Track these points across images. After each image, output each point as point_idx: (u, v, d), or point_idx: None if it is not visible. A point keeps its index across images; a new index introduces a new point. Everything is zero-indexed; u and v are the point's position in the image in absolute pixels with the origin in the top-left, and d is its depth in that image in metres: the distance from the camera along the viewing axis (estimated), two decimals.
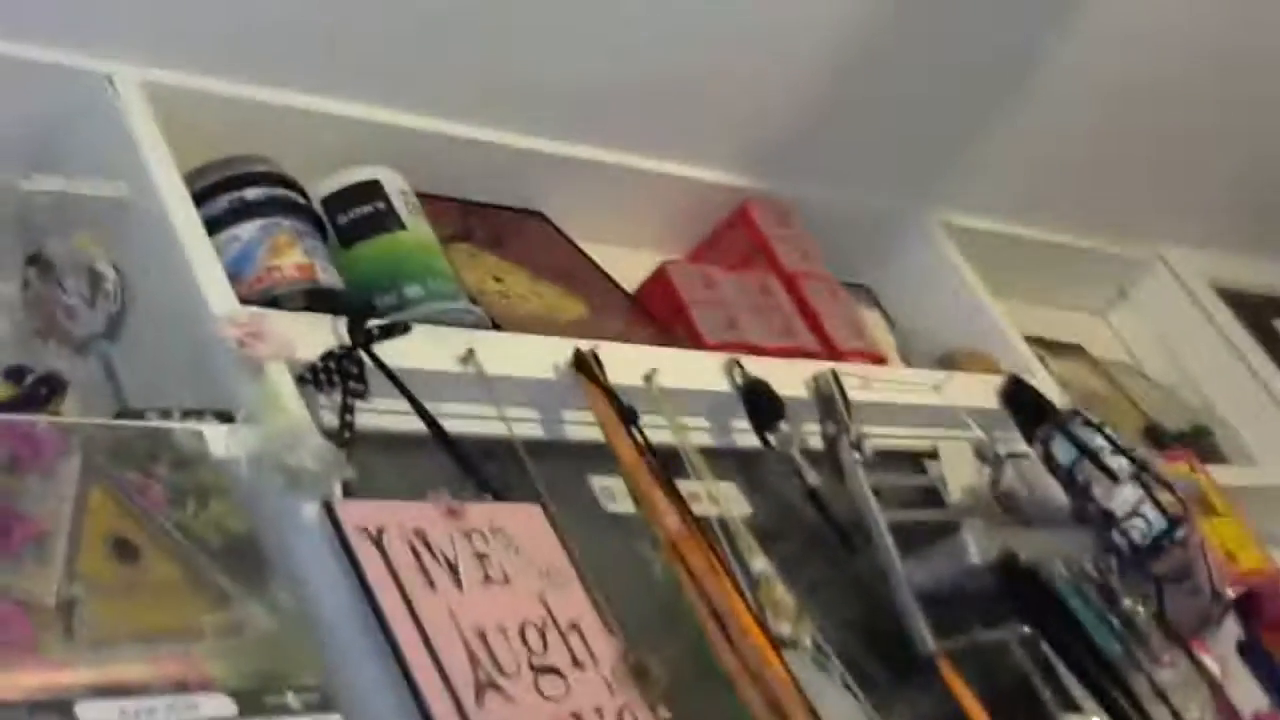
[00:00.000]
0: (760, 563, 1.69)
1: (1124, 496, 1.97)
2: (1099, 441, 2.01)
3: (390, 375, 1.60)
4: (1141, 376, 2.86)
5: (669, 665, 1.50)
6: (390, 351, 1.62)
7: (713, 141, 2.26)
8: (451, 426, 1.63)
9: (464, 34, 1.93)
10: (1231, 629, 2.16)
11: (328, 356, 1.58)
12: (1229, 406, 2.83)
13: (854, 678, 1.67)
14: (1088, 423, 2.04)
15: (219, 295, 1.57)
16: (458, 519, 1.48)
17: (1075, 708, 1.87)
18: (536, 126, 2.08)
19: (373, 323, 1.63)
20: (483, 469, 1.60)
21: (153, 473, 1.35)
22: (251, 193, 1.73)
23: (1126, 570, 1.98)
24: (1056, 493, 2.06)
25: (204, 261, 1.60)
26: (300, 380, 1.54)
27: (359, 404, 1.58)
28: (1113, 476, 1.98)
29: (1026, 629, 1.86)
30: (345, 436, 1.54)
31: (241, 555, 1.33)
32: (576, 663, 1.45)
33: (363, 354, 1.59)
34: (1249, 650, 2.20)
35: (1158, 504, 1.97)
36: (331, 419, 1.56)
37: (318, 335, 1.60)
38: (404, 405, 1.61)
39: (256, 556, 1.35)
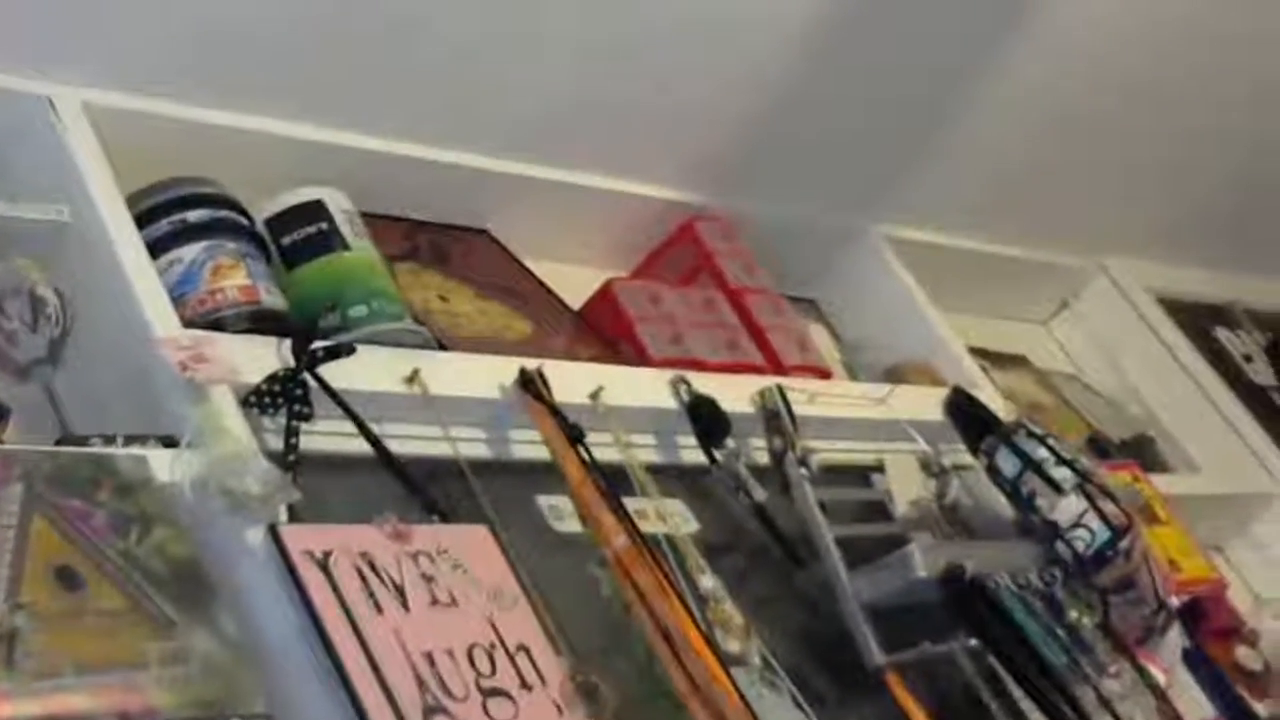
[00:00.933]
0: (708, 580, 1.69)
1: (1068, 507, 1.97)
2: (1042, 453, 2.01)
3: (335, 397, 1.59)
4: (1084, 386, 2.87)
5: (618, 685, 1.50)
6: (335, 373, 1.61)
7: (656, 158, 2.26)
8: (397, 448, 1.62)
9: (406, 54, 1.93)
10: (1176, 638, 2.16)
11: (272, 379, 1.56)
12: (1171, 415, 2.84)
13: (803, 694, 1.66)
14: (1031, 434, 2.04)
15: (161, 318, 1.56)
16: (404, 541, 1.47)
17: (1022, 718, 1.87)
18: (480, 144, 2.07)
19: (317, 344, 1.62)
20: (429, 490, 1.59)
21: (96, 499, 1.33)
22: (194, 214, 1.71)
23: (1071, 581, 1.98)
24: (1001, 504, 2.06)
25: (146, 284, 1.59)
26: (244, 403, 1.53)
27: (304, 426, 1.56)
28: (1056, 488, 1.98)
29: (973, 641, 1.86)
30: (290, 460, 1.53)
31: (186, 582, 1.32)
32: (525, 685, 1.44)
33: (307, 376, 1.58)
34: (1194, 659, 2.21)
35: (1101, 514, 1.97)
36: (276, 442, 1.55)
37: (262, 358, 1.58)
38: (349, 427, 1.60)
39: (201, 583, 1.33)
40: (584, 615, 1.61)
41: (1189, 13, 2.62)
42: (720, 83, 2.22)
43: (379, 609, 1.39)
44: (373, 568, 1.42)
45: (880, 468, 2.10)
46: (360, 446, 1.61)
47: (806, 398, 2.02)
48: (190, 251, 1.68)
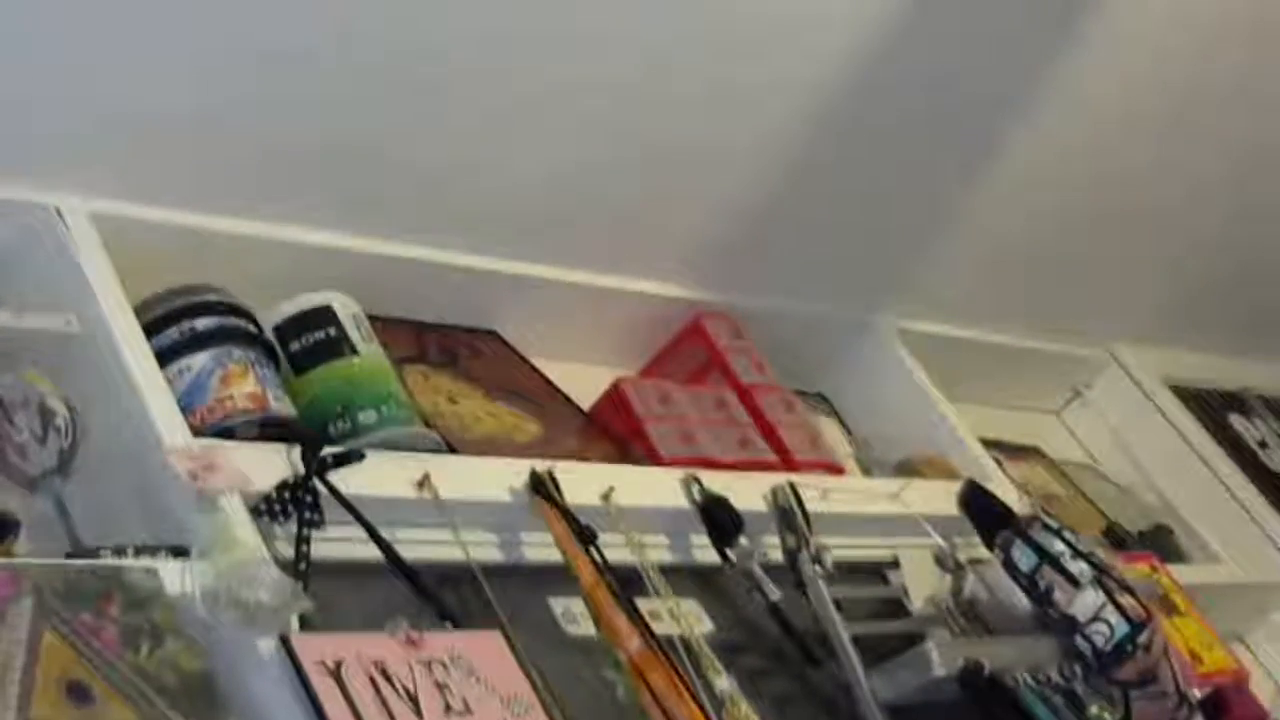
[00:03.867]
0: (724, 681, 1.68)
1: (1086, 601, 1.97)
2: (1059, 546, 2.00)
3: (345, 503, 1.60)
4: (1099, 476, 2.87)
5: None
6: (345, 479, 1.61)
7: (663, 256, 2.27)
8: (408, 553, 1.62)
9: (410, 157, 1.94)
10: None
11: (282, 487, 1.57)
12: (1187, 504, 2.83)
13: None
14: (1047, 527, 2.03)
15: (171, 428, 1.56)
16: (417, 649, 1.46)
17: None
18: (488, 246, 2.08)
19: (327, 451, 1.62)
20: (441, 596, 1.59)
21: (106, 613, 1.33)
22: (202, 322, 1.72)
23: (1091, 676, 1.97)
24: (1019, 599, 2.05)
25: (155, 394, 1.59)
26: (255, 512, 1.53)
27: (315, 533, 1.56)
28: (1074, 581, 1.98)
29: None
30: (301, 568, 1.53)
31: (198, 695, 1.32)
32: None
33: (317, 483, 1.58)
34: None
35: (1120, 608, 1.96)
36: (287, 550, 1.55)
37: (271, 465, 1.59)
38: (360, 533, 1.60)
39: (212, 695, 1.33)
40: (600, 719, 1.60)
41: (1197, 110, 2.64)
42: (728, 179, 2.24)
43: (393, 718, 1.39)
44: (386, 676, 1.42)
45: (895, 563, 2.09)
46: (371, 552, 1.61)
47: (819, 494, 2.01)
48: (199, 360, 1.69)
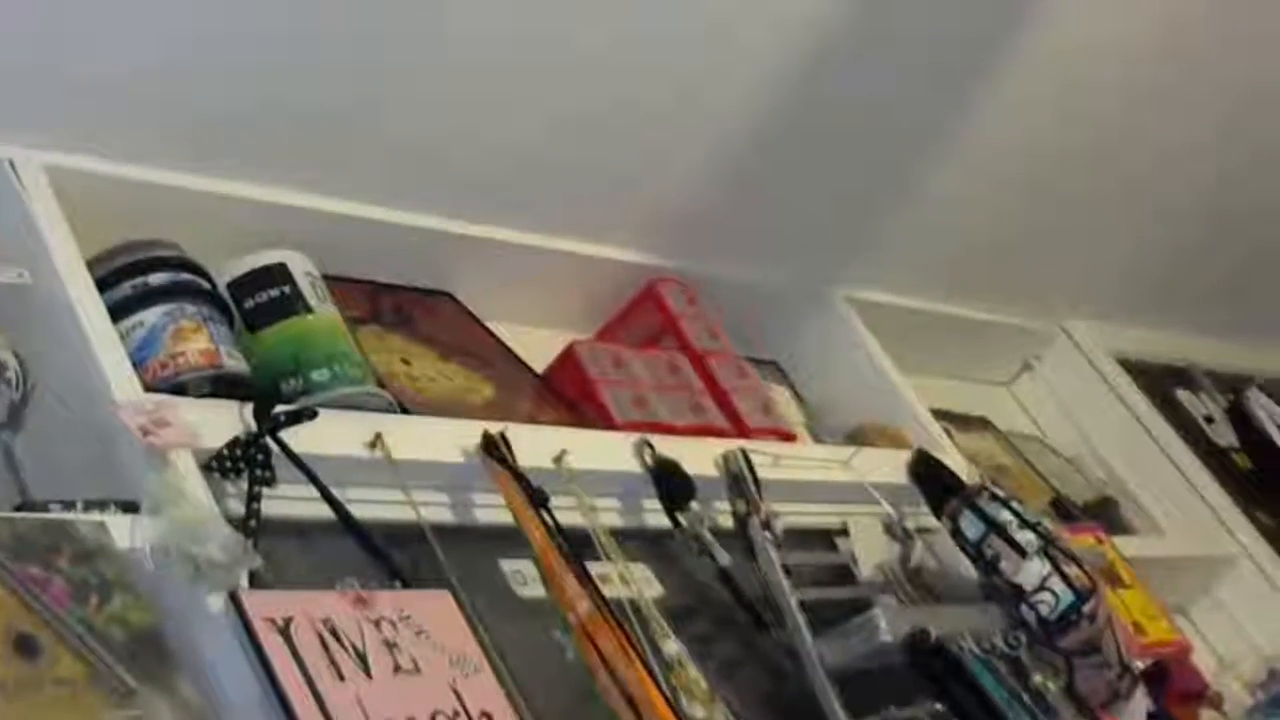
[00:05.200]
0: (672, 645, 1.68)
1: (1032, 571, 1.97)
2: (1006, 516, 2.01)
3: (297, 462, 1.58)
4: (1047, 448, 2.88)
5: None
6: (297, 437, 1.60)
7: (620, 221, 2.26)
8: (360, 512, 1.61)
9: (371, 117, 1.93)
10: (1141, 701, 2.16)
11: (233, 444, 1.56)
12: (1134, 477, 2.85)
13: None
14: (995, 497, 2.04)
15: (122, 383, 1.55)
16: (366, 607, 1.46)
17: None
18: (444, 208, 2.07)
19: (279, 409, 1.61)
20: (391, 556, 1.59)
21: (55, 566, 1.32)
22: (156, 278, 1.71)
23: (1036, 645, 1.98)
24: (965, 568, 2.06)
25: (107, 348, 1.58)
26: (206, 468, 1.52)
27: (266, 491, 1.55)
28: (1020, 551, 1.98)
29: (938, 706, 1.85)
30: (252, 525, 1.52)
31: (146, 649, 1.31)
32: None
33: (269, 441, 1.57)
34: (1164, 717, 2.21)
35: (1065, 578, 1.97)
36: (238, 507, 1.54)
37: (223, 422, 1.57)
38: (311, 491, 1.59)
39: (161, 650, 1.32)
40: (547, 681, 1.60)
41: (1158, 85, 2.65)
42: (685, 146, 2.23)
43: (341, 676, 1.38)
44: (335, 634, 1.41)
45: (844, 531, 2.10)
46: (322, 511, 1.60)
47: (770, 461, 2.01)
48: (152, 315, 1.68)
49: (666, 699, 1.58)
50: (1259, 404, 3.16)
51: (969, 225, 2.67)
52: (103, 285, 1.66)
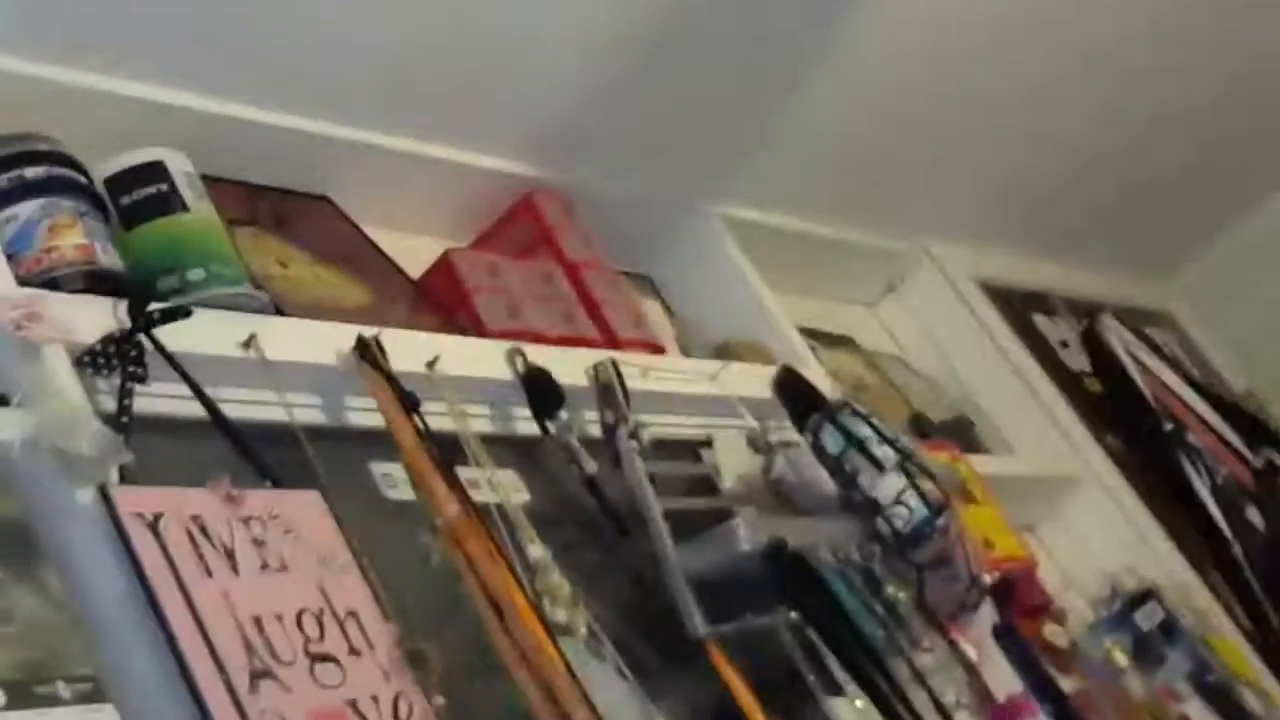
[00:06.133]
0: (537, 550, 1.69)
1: (889, 485, 2.00)
2: (866, 431, 2.04)
3: (170, 359, 1.56)
4: (908, 368, 2.91)
5: (446, 652, 1.49)
6: (171, 335, 1.58)
7: (498, 130, 2.25)
8: (232, 412, 1.60)
9: (250, 16, 1.89)
10: (988, 614, 2.20)
11: (107, 340, 1.53)
12: (989, 398, 2.89)
13: (627, 663, 1.67)
14: (856, 413, 2.06)
15: None
16: (236, 506, 1.45)
17: (838, 691, 1.89)
18: (324, 111, 2.04)
19: (153, 306, 1.58)
20: (262, 455, 1.57)
21: None
22: (31, 171, 1.67)
23: (889, 557, 2.01)
24: (825, 481, 2.08)
25: None
26: (78, 364, 1.50)
27: (138, 388, 1.53)
28: (878, 465, 2.01)
29: (794, 614, 1.88)
30: (123, 421, 1.50)
31: (11, 542, 1.29)
32: (353, 650, 1.43)
33: (143, 338, 1.55)
34: (1004, 634, 2.25)
35: (920, 492, 2.00)
36: (110, 403, 1.52)
37: (97, 318, 1.55)
38: (184, 390, 1.57)
39: (27, 543, 1.30)
40: (414, 583, 1.59)
41: (1030, 13, 2.66)
42: (562, 56, 2.21)
43: (208, 572, 1.37)
44: (203, 531, 1.40)
45: (709, 443, 2.11)
46: (194, 410, 1.58)
47: (639, 372, 2.02)
48: (26, 209, 1.64)
49: (530, 602, 1.59)
50: (1112, 331, 3.21)
51: (840, 148, 2.68)
52: None
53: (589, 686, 1.54)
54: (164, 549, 1.35)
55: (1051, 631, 2.41)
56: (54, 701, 1.21)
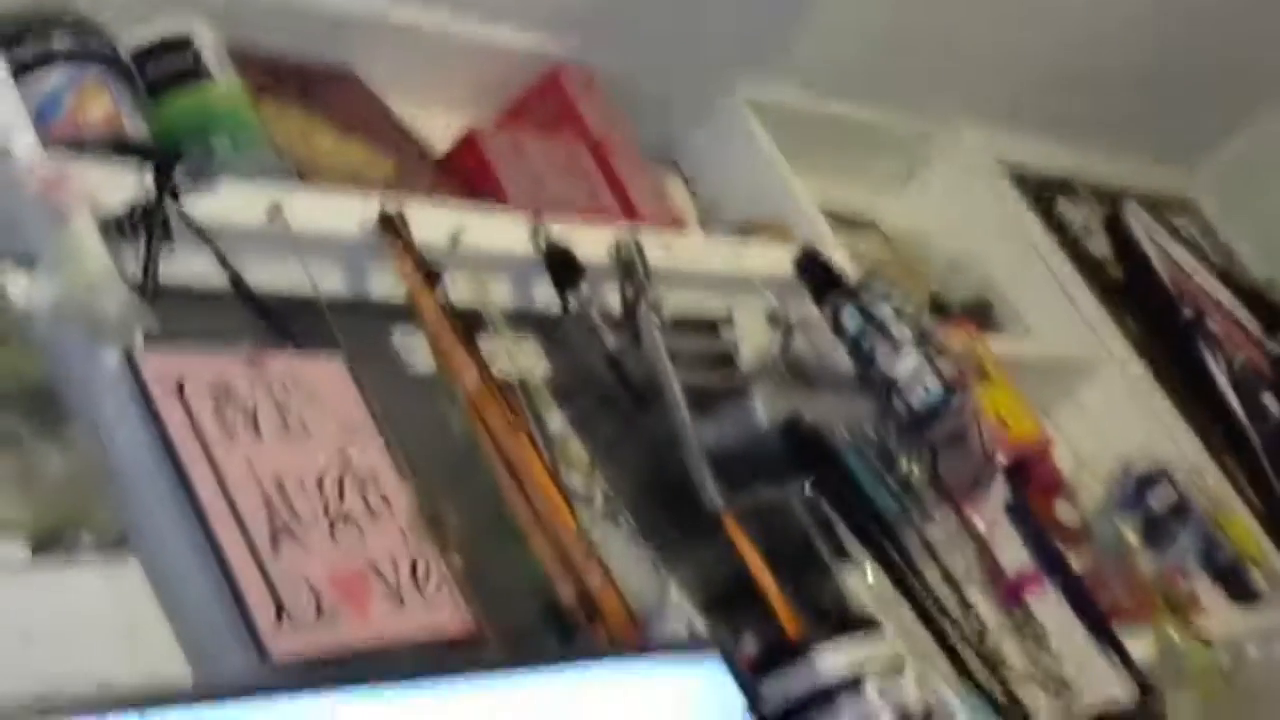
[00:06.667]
0: (556, 420, 1.70)
1: (906, 364, 2.00)
2: (885, 311, 2.03)
3: (196, 229, 1.57)
4: (929, 251, 2.90)
5: (464, 517, 1.51)
6: (196, 204, 1.58)
7: (525, 6, 2.23)
8: (255, 282, 1.60)
9: None
10: (1000, 491, 2.21)
11: (133, 207, 1.53)
12: (1010, 281, 2.87)
13: (642, 532, 1.68)
14: (875, 293, 2.06)
15: (23, 141, 1.52)
16: (259, 369, 1.46)
17: (851, 562, 1.91)
18: None
19: (180, 173, 1.58)
20: (285, 323, 1.58)
21: None
22: (60, 41, 1.67)
23: (905, 433, 2.01)
24: (843, 360, 2.08)
25: (9, 106, 1.54)
26: (104, 230, 1.50)
27: (163, 256, 1.54)
28: (896, 344, 2.01)
29: (808, 488, 1.88)
30: (149, 287, 1.50)
31: (38, 402, 1.30)
32: (372, 513, 1.44)
33: (169, 205, 1.55)
34: (1016, 512, 2.25)
35: (937, 372, 2.00)
36: (135, 270, 1.52)
37: (124, 185, 1.55)
38: (209, 259, 1.58)
39: (54, 404, 1.32)
40: (433, 450, 1.61)
41: None
42: None
43: (231, 435, 1.38)
44: (227, 394, 1.41)
45: (729, 320, 2.11)
46: (218, 279, 1.58)
47: (661, 249, 2.02)
48: (54, 76, 1.64)
49: (547, 469, 1.60)
50: (1135, 218, 3.19)
51: (866, 30, 2.65)
52: (6, 44, 1.62)
53: (604, 552, 1.56)
54: (188, 410, 1.37)
55: (1063, 510, 2.41)
56: (80, 553, 1.22)
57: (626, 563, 1.63)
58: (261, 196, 1.66)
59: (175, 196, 1.56)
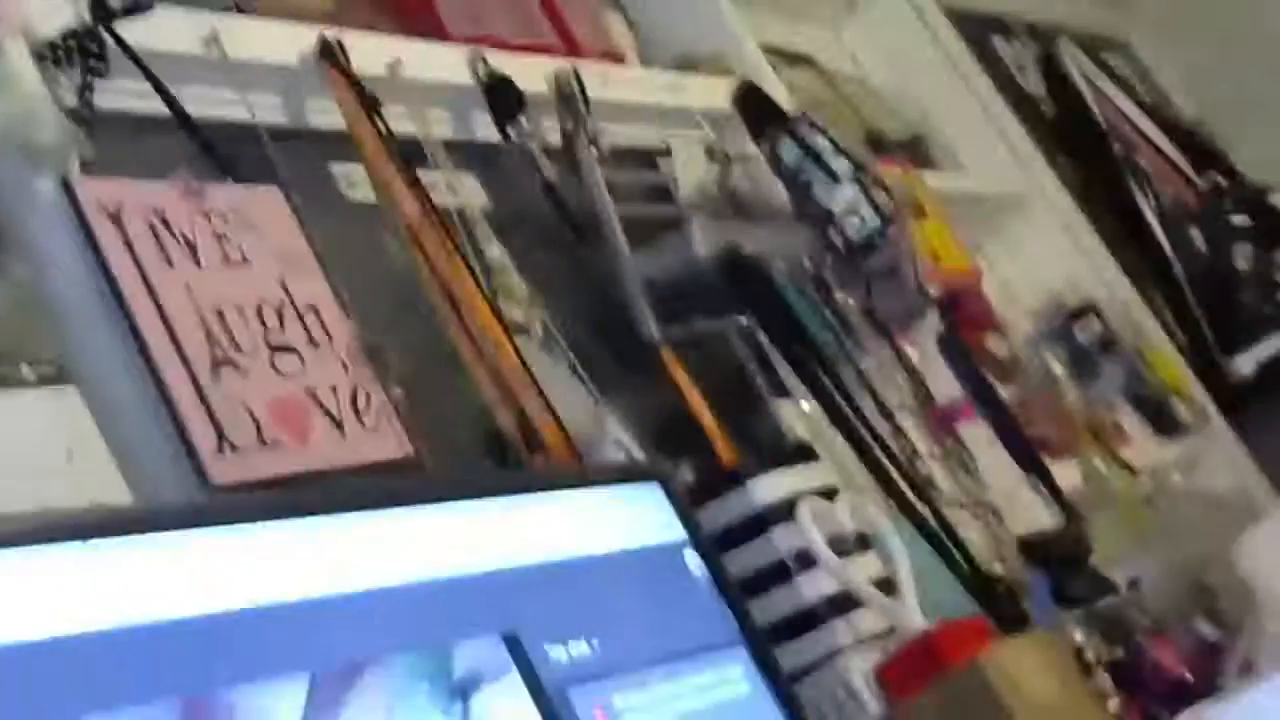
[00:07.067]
0: (495, 251, 1.68)
1: (842, 196, 1.99)
2: (822, 144, 2.02)
3: (131, 55, 1.53)
4: (866, 87, 2.88)
5: (405, 347, 1.50)
6: (132, 31, 1.54)
7: None
8: (193, 110, 1.57)
9: None
10: (933, 323, 2.21)
11: (68, 34, 1.49)
12: (945, 118, 2.86)
13: (581, 363, 1.68)
14: (813, 126, 2.05)
15: None
16: (197, 199, 1.43)
17: (787, 394, 1.91)
18: None
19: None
20: (224, 153, 1.55)
21: None
22: None
23: (841, 265, 2.01)
24: (781, 193, 2.07)
25: None
26: (39, 57, 1.46)
27: (99, 83, 1.50)
28: (833, 177, 2.00)
29: (745, 319, 1.88)
30: (84, 114, 1.47)
31: None
32: (313, 342, 1.43)
33: (103, 31, 1.51)
34: (948, 344, 2.26)
35: (873, 204, 1.99)
36: (71, 98, 1.48)
37: (58, 11, 1.50)
38: (145, 86, 1.54)
39: None
40: (373, 281, 1.59)
41: None
42: None
43: (170, 264, 1.36)
44: (165, 224, 1.39)
45: (667, 152, 2.09)
46: (155, 107, 1.55)
47: (600, 81, 1.99)
48: None
49: (486, 300, 1.59)
50: (1070, 57, 3.17)
51: None
52: None
53: (542, 383, 1.55)
54: (126, 239, 1.34)
55: (993, 343, 2.43)
56: (18, 383, 1.21)
57: (566, 394, 1.62)
58: (199, 23, 1.61)
59: (109, 21, 1.52)
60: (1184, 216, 2.98)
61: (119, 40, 1.52)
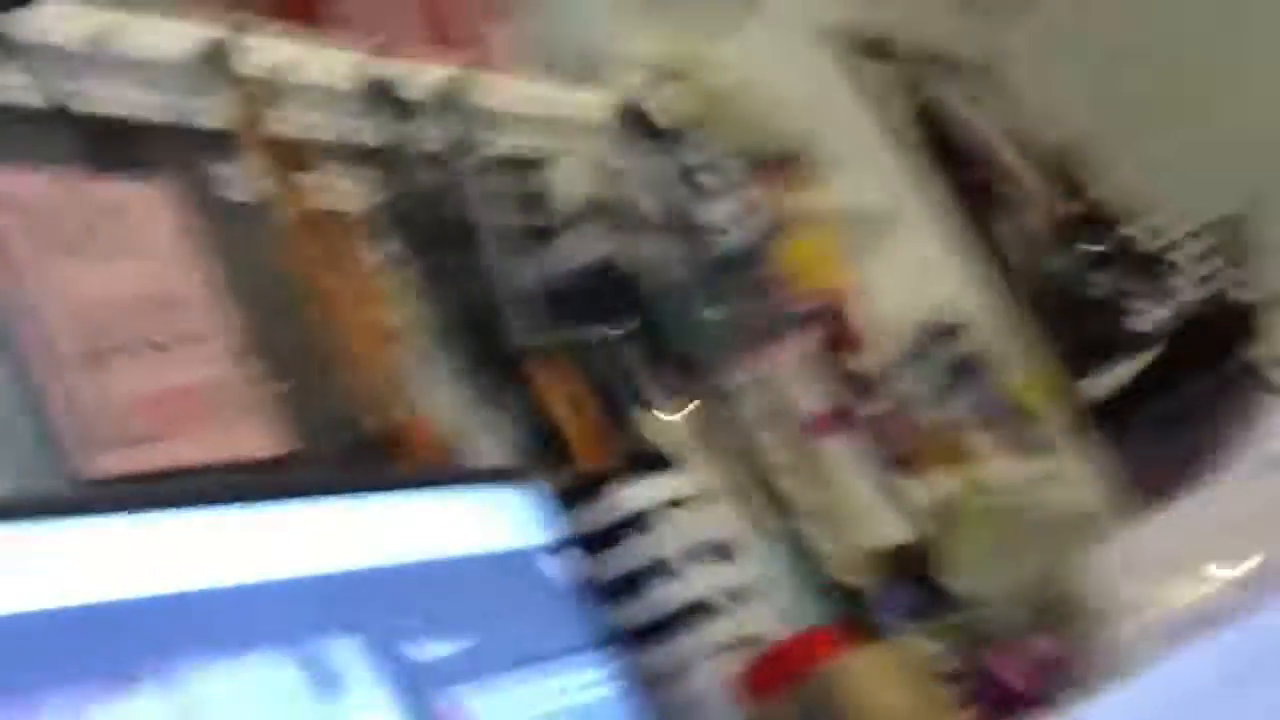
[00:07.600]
0: (376, 255, 1.68)
1: (718, 211, 2.01)
2: (700, 160, 2.04)
3: (14, 47, 1.51)
4: (746, 104, 2.89)
5: (282, 346, 1.49)
6: (18, 24, 1.52)
7: None
8: (79, 105, 1.54)
9: None
10: (800, 339, 2.23)
11: None
12: (820, 136, 2.88)
13: (456, 368, 1.68)
14: (691, 142, 2.07)
15: None
16: (76, 193, 1.42)
17: (658, 404, 1.93)
18: None
19: None
20: (108, 147, 1.53)
21: None
22: None
23: (713, 278, 2.03)
24: (658, 204, 2.08)
25: None
26: None
27: None
28: (710, 191, 2.02)
29: (616, 329, 1.89)
30: None
31: None
32: (188, 338, 1.42)
33: None
34: (813, 359, 2.28)
35: (747, 220, 2.02)
36: None
37: None
38: (29, 80, 1.52)
39: None
40: (253, 279, 1.58)
41: None
42: None
43: (44, 256, 1.35)
44: (41, 215, 1.37)
45: (549, 162, 2.10)
46: (39, 100, 1.53)
47: (485, 90, 1.99)
48: None
49: (362, 300, 1.59)
50: (940, 80, 3.22)
51: None
52: None
53: (418, 387, 1.55)
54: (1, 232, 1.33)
55: (858, 360, 2.45)
56: None
57: (441, 397, 1.63)
58: (87, 17, 1.60)
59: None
60: (1043, 243, 3.04)
61: (3, 33, 1.50)
